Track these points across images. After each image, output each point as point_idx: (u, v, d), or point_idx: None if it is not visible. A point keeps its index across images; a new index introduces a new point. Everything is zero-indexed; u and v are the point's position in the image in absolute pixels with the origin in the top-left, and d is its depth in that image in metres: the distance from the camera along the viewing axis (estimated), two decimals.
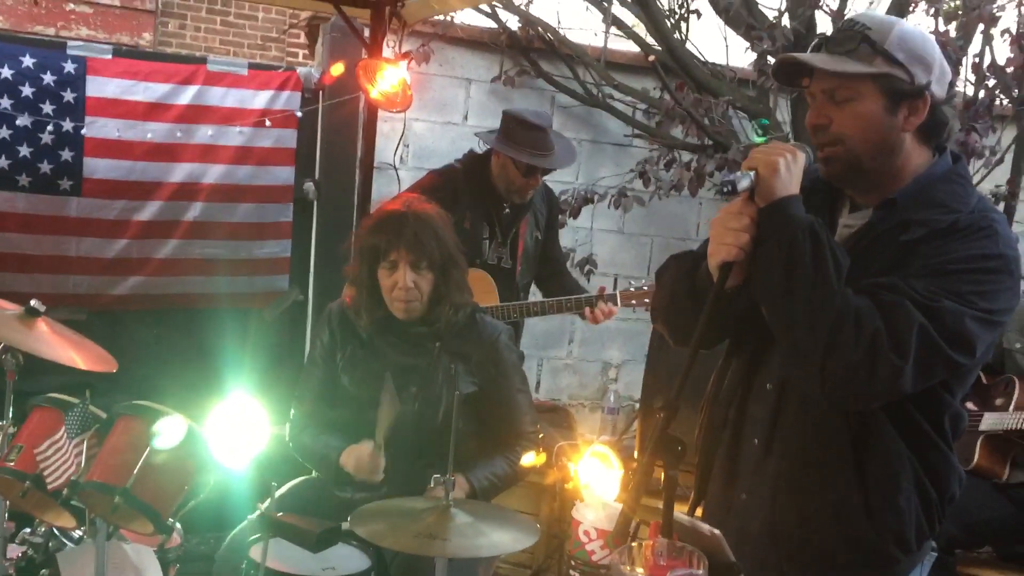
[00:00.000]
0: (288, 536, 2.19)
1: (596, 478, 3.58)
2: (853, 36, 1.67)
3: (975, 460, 3.36)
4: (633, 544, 1.49)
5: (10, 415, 2.47)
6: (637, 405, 5.05)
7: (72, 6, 7.79)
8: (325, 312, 2.82)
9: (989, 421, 3.36)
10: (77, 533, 2.44)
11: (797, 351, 1.65)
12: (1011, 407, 3.35)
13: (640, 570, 1.46)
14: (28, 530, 2.56)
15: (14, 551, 2.53)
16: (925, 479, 1.75)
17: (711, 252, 1.67)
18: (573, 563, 1.69)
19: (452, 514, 2.05)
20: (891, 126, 1.69)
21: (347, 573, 2.32)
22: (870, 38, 1.66)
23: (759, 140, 4.33)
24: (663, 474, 1.55)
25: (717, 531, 1.59)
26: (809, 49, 1.75)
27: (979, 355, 1.67)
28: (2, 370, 2.43)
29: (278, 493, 2.55)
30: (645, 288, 3.67)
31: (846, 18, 1.76)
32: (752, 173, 1.61)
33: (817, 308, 1.59)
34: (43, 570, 2.49)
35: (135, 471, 1.92)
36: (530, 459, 2.75)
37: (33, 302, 2.45)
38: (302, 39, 8.38)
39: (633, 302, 3.69)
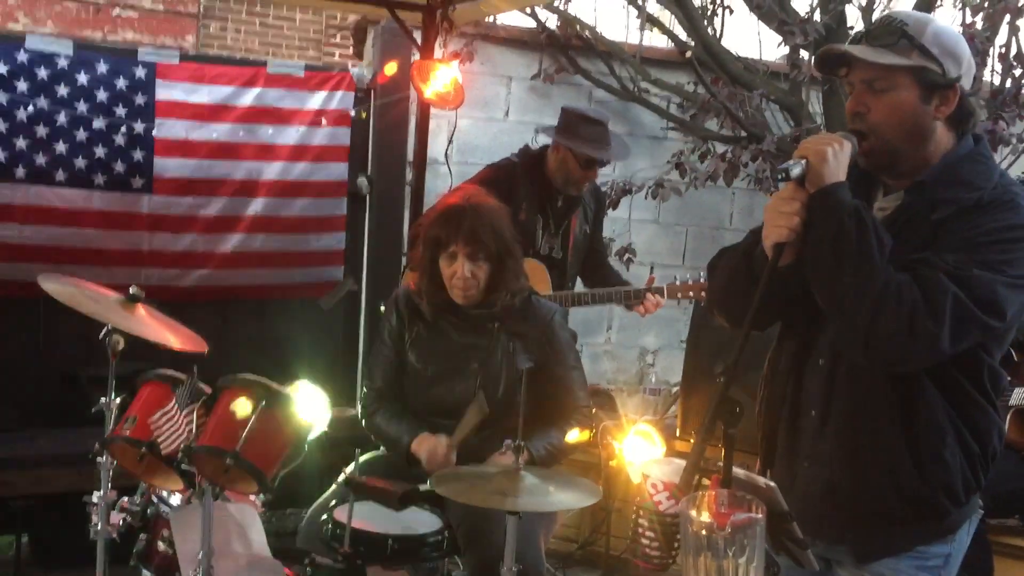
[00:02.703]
0: (373, 497, 2.40)
1: (640, 455, 3.78)
2: (892, 31, 1.83)
3: (1005, 433, 3.51)
4: (698, 493, 1.67)
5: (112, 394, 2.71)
6: (674, 389, 5.24)
7: (118, 11, 8.04)
8: (393, 296, 3.03)
9: (1019, 396, 3.51)
10: (175, 500, 2.65)
11: (844, 323, 1.80)
12: None
13: (706, 515, 1.64)
14: (126, 499, 2.77)
15: (115, 518, 2.75)
16: (967, 433, 1.88)
17: (765, 234, 1.82)
18: (641, 512, 1.86)
19: (522, 476, 2.23)
20: (924, 114, 1.85)
21: (422, 532, 2.53)
22: (908, 33, 1.82)
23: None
24: (723, 432, 1.72)
25: (772, 483, 1.75)
26: (849, 42, 1.93)
27: (1010, 317, 1.81)
28: (107, 351, 2.66)
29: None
30: (690, 283, 3.77)
31: (884, 14, 1.90)
32: (803, 161, 1.77)
33: (862, 284, 1.74)
34: (141, 534, 2.72)
35: (243, 436, 2.14)
36: (575, 436, 2.90)
37: (132, 289, 2.67)
38: (339, 40, 8.62)
39: (679, 295, 3.78)
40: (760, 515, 1.61)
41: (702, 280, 3.72)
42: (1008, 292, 1.77)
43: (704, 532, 1.60)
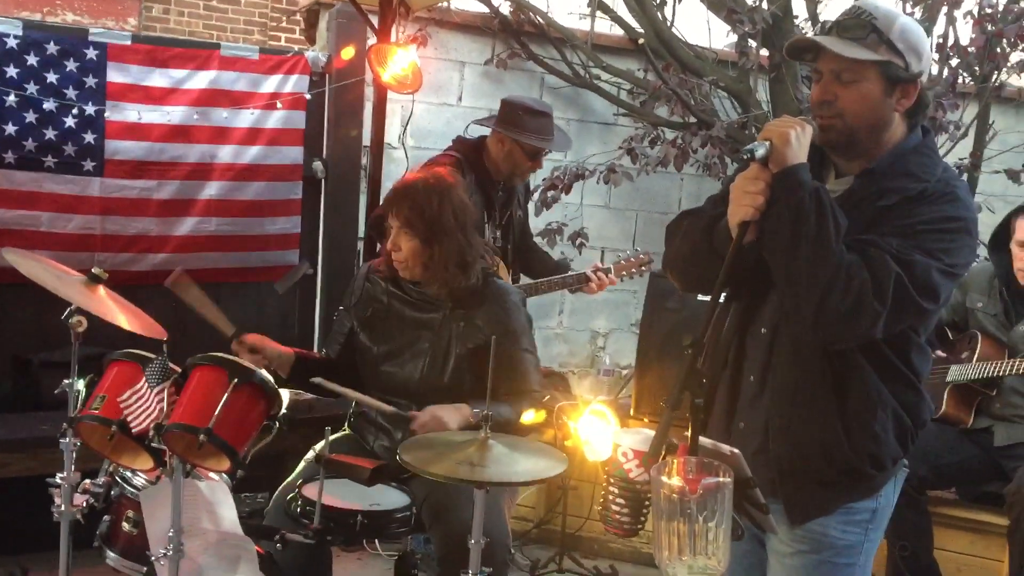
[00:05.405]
0: (344, 473, 2.43)
1: (595, 434, 3.85)
2: (863, 24, 1.92)
3: (943, 408, 3.66)
4: (668, 460, 1.74)
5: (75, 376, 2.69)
6: (625, 371, 5.35)
7: None
8: (356, 273, 3.08)
9: (955, 372, 3.67)
10: (138, 480, 2.65)
11: (796, 299, 1.90)
12: (974, 359, 3.66)
13: (677, 480, 1.71)
14: (88, 480, 2.75)
15: (78, 499, 2.74)
16: (900, 409, 2.03)
17: (731, 212, 1.90)
18: (612, 480, 1.90)
19: (490, 445, 2.26)
20: (886, 106, 1.96)
21: (390, 507, 2.57)
22: (877, 27, 1.91)
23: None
24: (691, 403, 1.80)
25: (736, 450, 1.84)
26: (819, 31, 2.02)
27: (942, 302, 1.97)
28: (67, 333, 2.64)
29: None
30: (632, 259, 4.07)
31: (853, 5, 1.98)
32: (767, 143, 1.85)
33: (816, 263, 1.84)
34: (105, 515, 2.71)
35: (215, 413, 2.15)
36: (530, 417, 2.90)
37: (95, 269, 2.66)
38: (285, 23, 8.54)
39: (623, 274, 4.06)
40: (728, 479, 1.69)
41: (640, 255, 4.11)
42: (942, 278, 1.90)
43: (676, 497, 1.67)
